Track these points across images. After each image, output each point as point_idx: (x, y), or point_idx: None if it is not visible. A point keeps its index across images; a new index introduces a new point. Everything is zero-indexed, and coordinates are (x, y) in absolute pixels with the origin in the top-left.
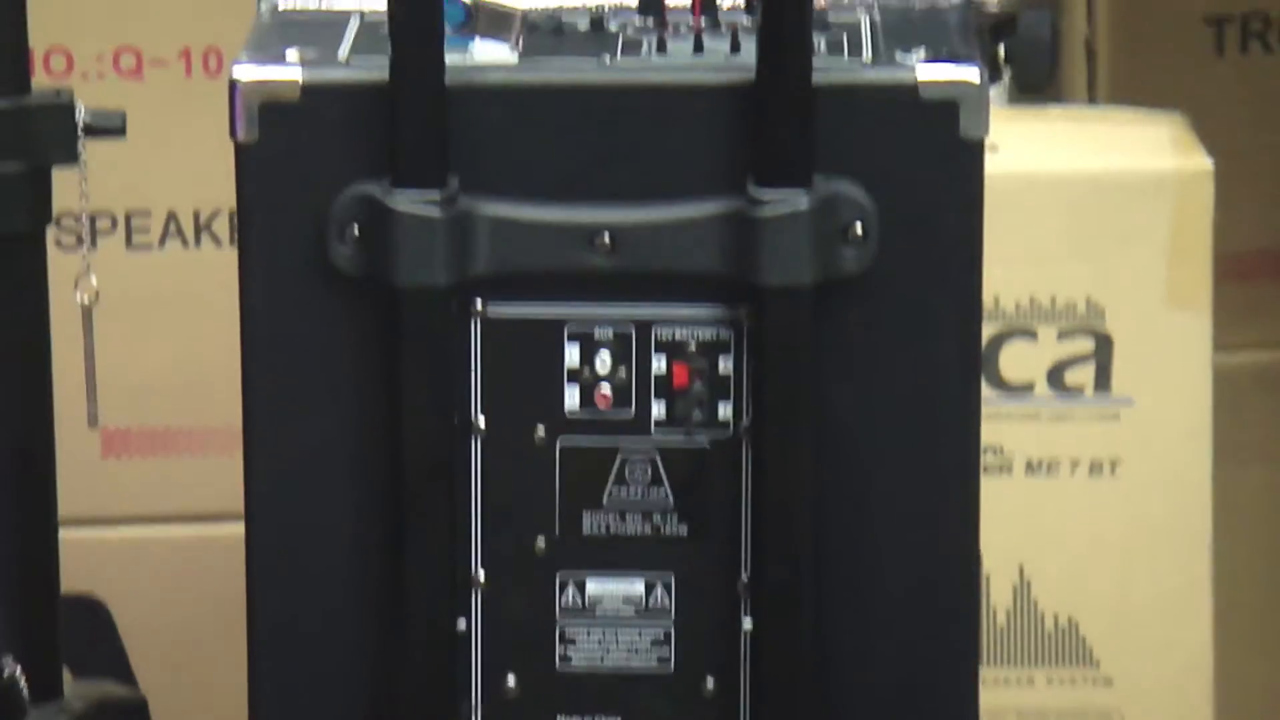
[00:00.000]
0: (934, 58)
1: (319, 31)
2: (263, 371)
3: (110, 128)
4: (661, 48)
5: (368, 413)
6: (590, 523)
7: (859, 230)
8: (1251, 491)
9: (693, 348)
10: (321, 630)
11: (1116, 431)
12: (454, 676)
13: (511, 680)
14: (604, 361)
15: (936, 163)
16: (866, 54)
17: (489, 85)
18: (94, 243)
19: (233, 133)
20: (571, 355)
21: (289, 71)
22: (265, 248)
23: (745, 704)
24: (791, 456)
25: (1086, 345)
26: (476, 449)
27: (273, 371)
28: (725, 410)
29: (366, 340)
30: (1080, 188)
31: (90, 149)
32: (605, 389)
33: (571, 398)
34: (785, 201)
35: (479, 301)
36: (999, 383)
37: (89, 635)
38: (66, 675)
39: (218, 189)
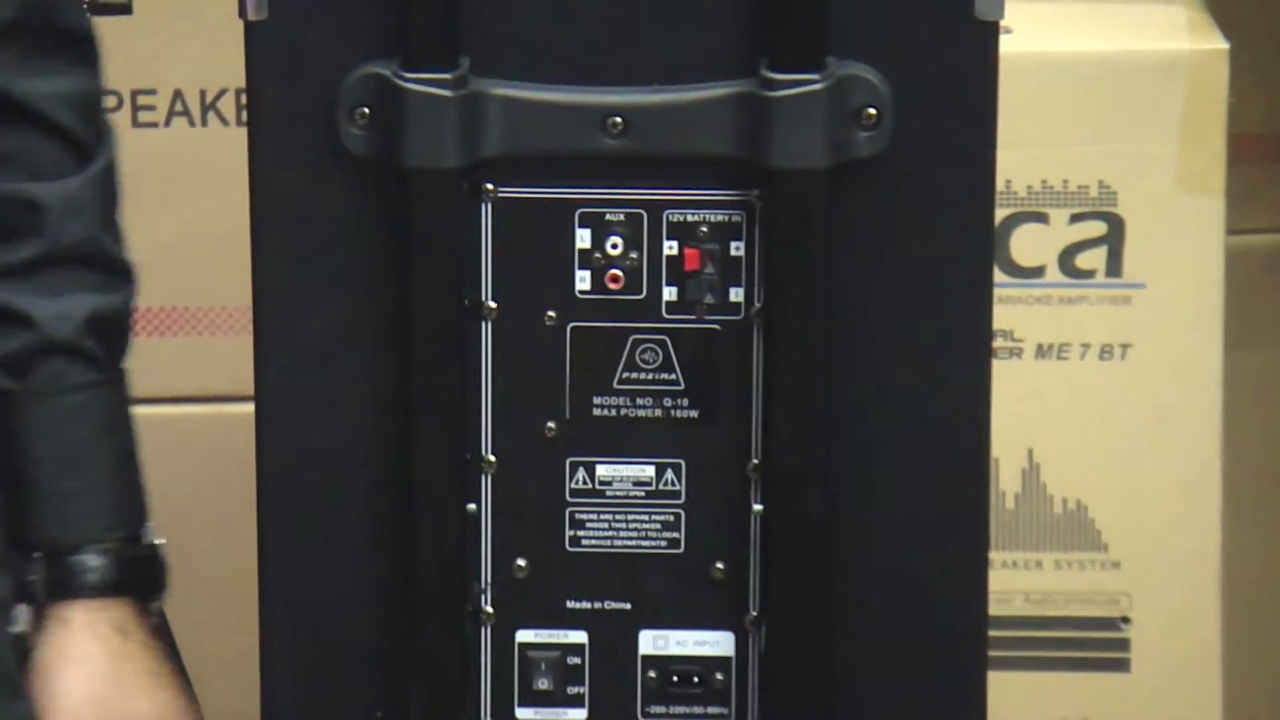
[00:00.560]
0: None
1: None
2: (272, 253)
3: (117, 5)
4: None
5: (378, 294)
6: (601, 406)
7: (872, 113)
8: (1261, 375)
9: (704, 231)
10: (332, 513)
11: (1127, 315)
12: (464, 558)
13: (522, 562)
14: (615, 244)
15: (951, 44)
16: None
17: None
18: None
19: (242, 11)
20: (582, 238)
21: None
22: (275, 128)
23: (754, 586)
24: (802, 339)
25: (1098, 228)
26: (487, 331)
27: (282, 252)
28: (736, 294)
29: (377, 222)
30: (1093, 69)
31: (97, 26)
32: (616, 271)
33: (583, 280)
34: (798, 84)
35: (489, 184)
36: (1010, 266)
37: None
38: None
39: (224, 67)
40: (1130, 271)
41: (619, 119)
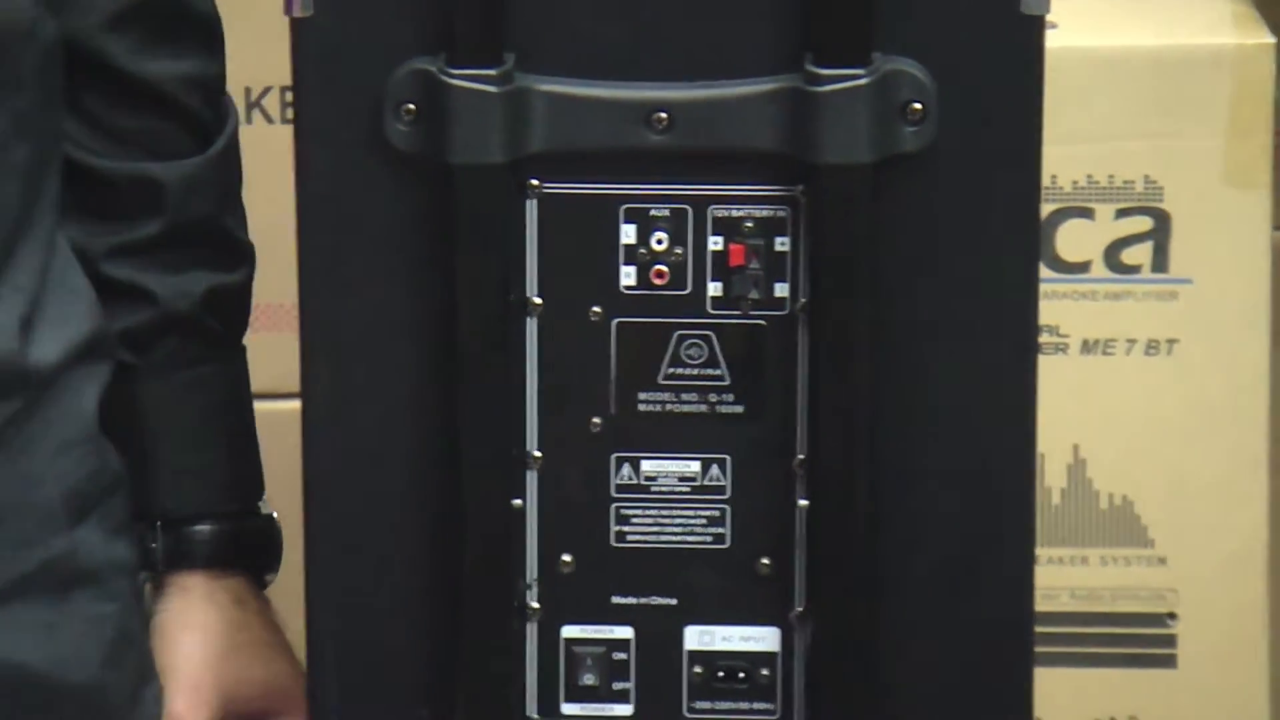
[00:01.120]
0: None
1: None
2: (318, 249)
3: None
4: None
5: (423, 291)
6: (646, 401)
7: (918, 108)
8: None
9: (749, 226)
10: (378, 510)
11: (1173, 311)
12: (510, 554)
13: (568, 558)
14: (660, 240)
15: (997, 39)
16: None
17: None
18: None
19: (287, 8)
20: (628, 233)
21: None
22: (321, 124)
23: (799, 582)
24: (848, 335)
25: (1144, 224)
26: (532, 327)
27: (328, 249)
28: (781, 289)
29: (422, 218)
30: (1139, 64)
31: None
32: (662, 267)
33: (628, 276)
34: (843, 79)
35: (535, 179)
36: (1056, 261)
37: None
38: None
39: (269, 65)
40: (1176, 267)
41: (664, 114)
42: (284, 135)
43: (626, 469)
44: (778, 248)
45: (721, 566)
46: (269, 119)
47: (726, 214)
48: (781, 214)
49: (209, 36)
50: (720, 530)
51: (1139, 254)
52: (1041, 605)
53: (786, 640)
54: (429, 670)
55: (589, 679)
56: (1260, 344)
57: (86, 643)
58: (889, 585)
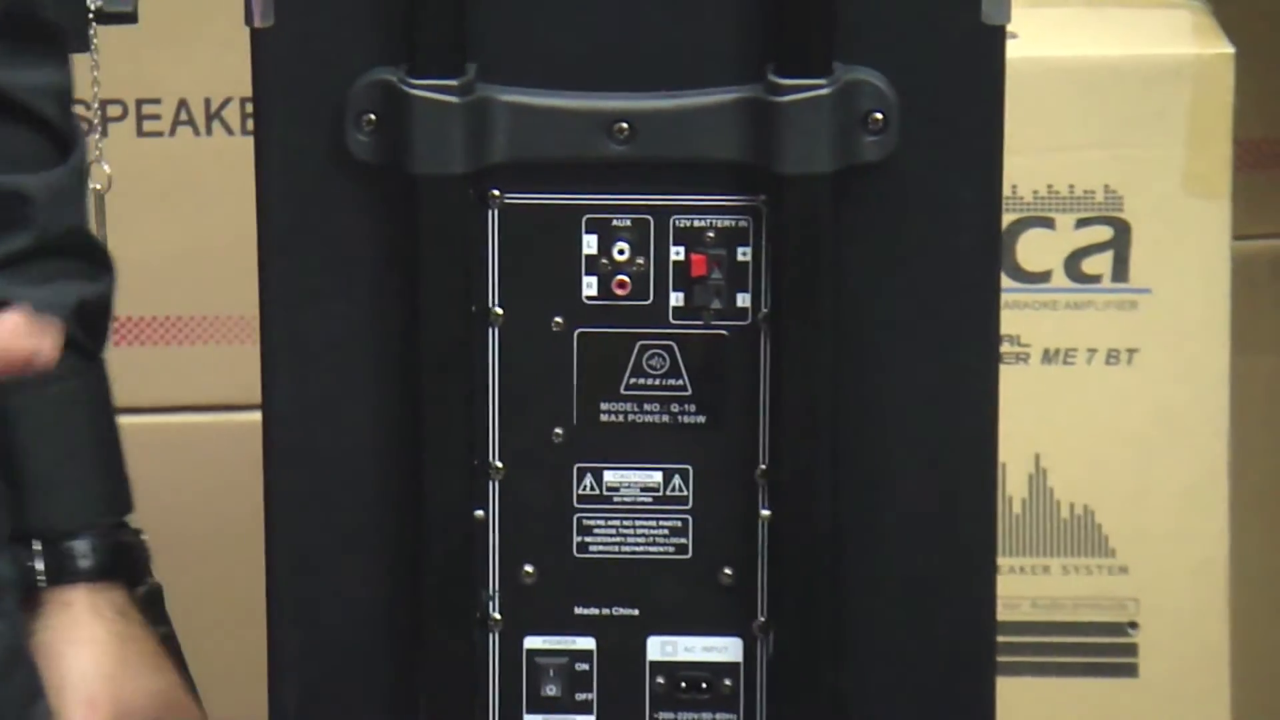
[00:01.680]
0: None
1: None
2: (279, 260)
3: (122, 14)
4: None
5: (385, 301)
6: (608, 411)
7: (879, 117)
8: (1268, 380)
9: (711, 236)
10: (339, 520)
11: (1134, 320)
12: (472, 565)
13: (529, 568)
14: (622, 250)
15: (958, 49)
16: None
17: None
18: (105, 130)
19: (248, 18)
20: (589, 244)
21: None
22: (281, 135)
23: (762, 593)
24: (810, 345)
25: (1104, 233)
26: (494, 338)
27: (289, 260)
28: (743, 299)
29: (383, 228)
30: (1099, 74)
31: (101, 35)
32: (623, 277)
33: (589, 286)
34: (805, 89)
35: (496, 190)
36: (1016, 271)
37: None
38: None
39: (229, 76)
40: (1136, 276)
41: (625, 124)
42: (244, 146)
43: (589, 479)
44: (739, 258)
45: (684, 577)
46: (229, 130)
47: (688, 224)
48: (743, 224)
49: (59, 46)
50: (682, 540)
51: (1099, 263)
52: (1003, 615)
53: (749, 650)
54: (391, 682)
55: (551, 690)
56: (1220, 353)
57: None
58: (851, 595)
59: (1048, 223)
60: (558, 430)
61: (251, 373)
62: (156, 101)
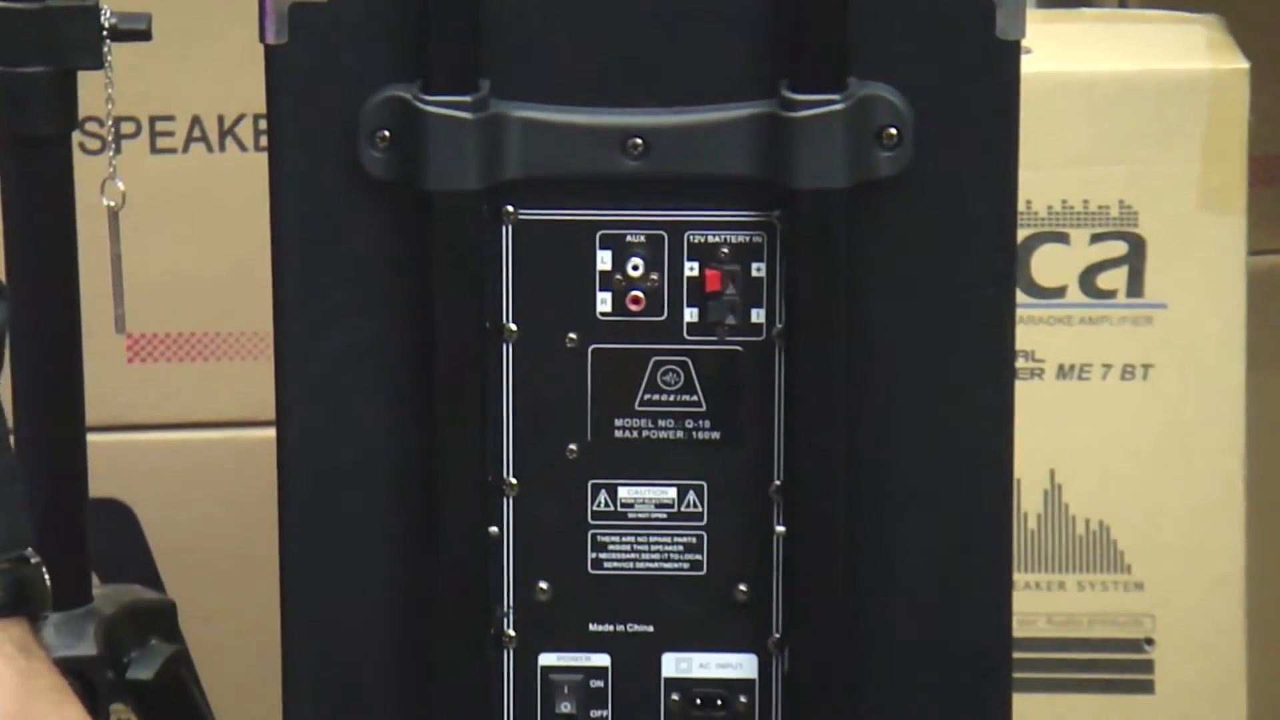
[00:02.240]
0: None
1: None
2: (293, 276)
3: (136, 31)
4: None
5: (399, 318)
6: (622, 428)
7: (893, 133)
8: None
9: (725, 252)
10: (353, 538)
11: (1149, 335)
12: (487, 582)
13: (544, 585)
14: (636, 265)
15: (972, 64)
16: None
17: None
18: (118, 147)
19: (262, 36)
20: (604, 260)
21: None
22: (296, 152)
23: (777, 609)
24: (824, 361)
25: (1119, 248)
26: (508, 354)
27: (303, 276)
28: (758, 315)
29: (398, 245)
30: (1114, 89)
31: (115, 52)
32: (637, 293)
33: (604, 302)
34: (819, 104)
35: (510, 206)
36: (1031, 286)
37: (116, 540)
38: (94, 579)
39: (242, 93)
40: (1151, 291)
41: (639, 140)
42: (258, 163)
43: (603, 496)
44: (754, 273)
45: (698, 593)
46: (243, 147)
47: (702, 239)
48: (758, 239)
49: None
50: (697, 557)
51: (1114, 279)
52: (1019, 631)
53: (764, 667)
54: (405, 699)
55: (566, 707)
56: (1236, 368)
57: None
58: (866, 611)
59: (1062, 238)
60: (572, 446)
61: (265, 389)
62: (170, 118)
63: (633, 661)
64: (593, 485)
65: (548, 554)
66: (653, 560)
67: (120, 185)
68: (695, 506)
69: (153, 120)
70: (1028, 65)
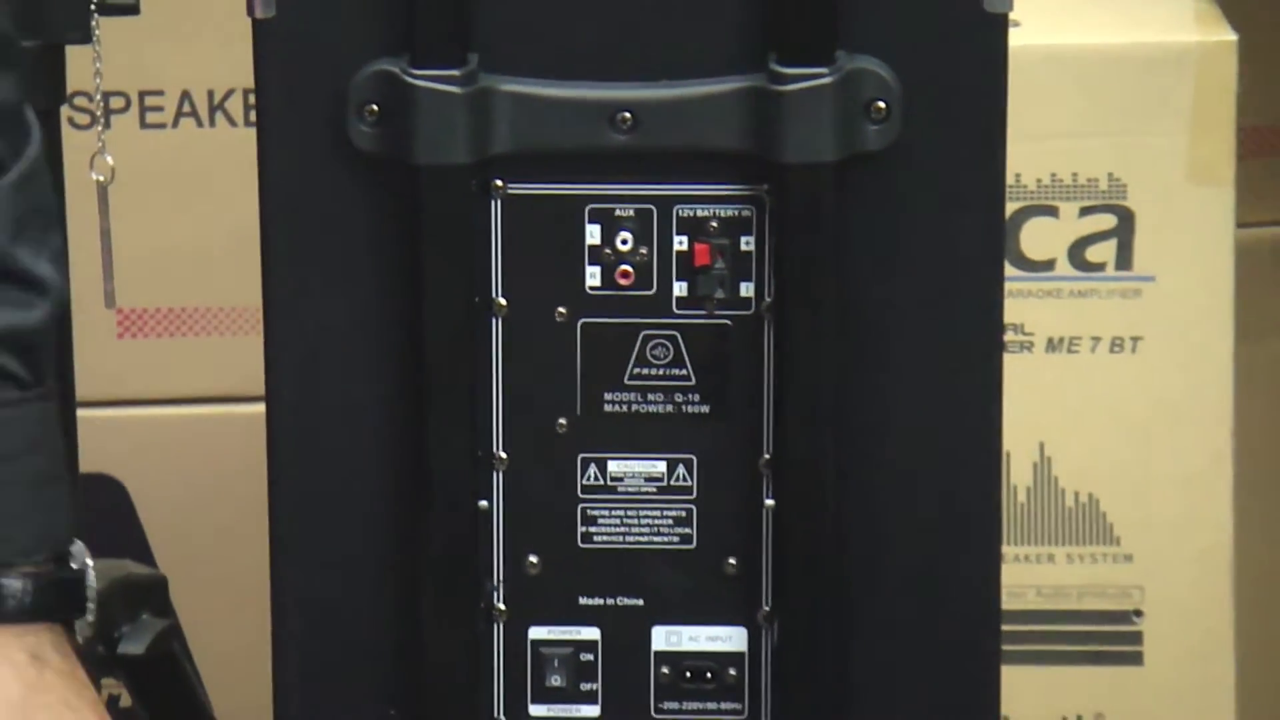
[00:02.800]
0: None
1: None
2: (282, 251)
3: (124, 5)
4: None
5: (388, 292)
6: (612, 402)
7: (882, 106)
8: (1272, 368)
9: (714, 226)
10: (343, 512)
11: (1138, 308)
12: (476, 555)
13: (534, 559)
14: (625, 240)
15: (960, 37)
16: None
17: None
18: (108, 122)
19: (250, 9)
20: (592, 234)
21: None
22: (284, 126)
23: (767, 582)
24: (813, 334)
25: (1108, 221)
26: (497, 328)
27: (292, 251)
28: (747, 289)
29: (386, 219)
30: (1102, 62)
31: (104, 27)
32: (626, 267)
33: (593, 276)
34: (807, 78)
35: (499, 180)
36: (1020, 260)
37: (107, 515)
38: None
39: (231, 68)
40: (1140, 264)
41: (628, 114)
42: (247, 138)
43: (592, 470)
44: (743, 247)
45: (688, 567)
46: (232, 122)
47: (691, 214)
48: (746, 213)
49: (3, 57)
50: (687, 530)
51: (1103, 251)
52: (1008, 603)
53: (754, 640)
54: (395, 672)
55: (556, 680)
56: (1224, 341)
57: None
58: (856, 584)
59: (1051, 211)
60: (561, 420)
61: (255, 364)
62: (159, 93)
63: (622, 635)
64: (582, 459)
65: (538, 528)
66: (642, 534)
67: (110, 160)
68: (685, 480)
69: (142, 95)
70: (1016, 38)
